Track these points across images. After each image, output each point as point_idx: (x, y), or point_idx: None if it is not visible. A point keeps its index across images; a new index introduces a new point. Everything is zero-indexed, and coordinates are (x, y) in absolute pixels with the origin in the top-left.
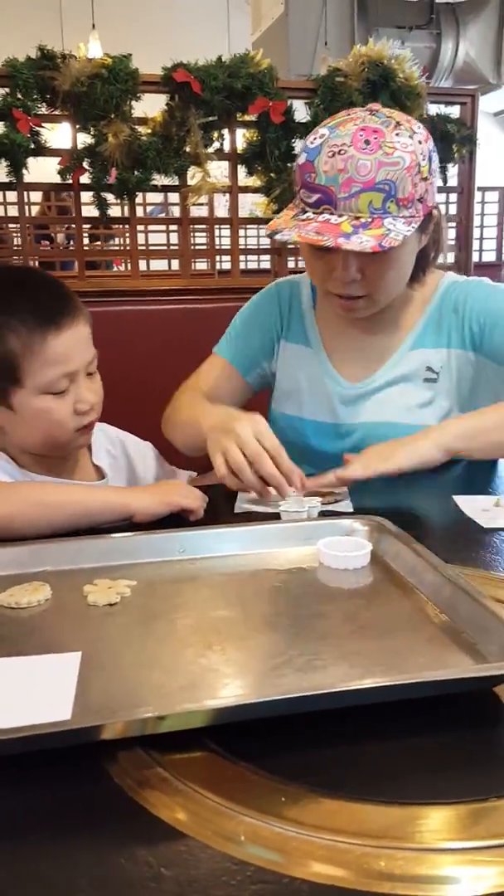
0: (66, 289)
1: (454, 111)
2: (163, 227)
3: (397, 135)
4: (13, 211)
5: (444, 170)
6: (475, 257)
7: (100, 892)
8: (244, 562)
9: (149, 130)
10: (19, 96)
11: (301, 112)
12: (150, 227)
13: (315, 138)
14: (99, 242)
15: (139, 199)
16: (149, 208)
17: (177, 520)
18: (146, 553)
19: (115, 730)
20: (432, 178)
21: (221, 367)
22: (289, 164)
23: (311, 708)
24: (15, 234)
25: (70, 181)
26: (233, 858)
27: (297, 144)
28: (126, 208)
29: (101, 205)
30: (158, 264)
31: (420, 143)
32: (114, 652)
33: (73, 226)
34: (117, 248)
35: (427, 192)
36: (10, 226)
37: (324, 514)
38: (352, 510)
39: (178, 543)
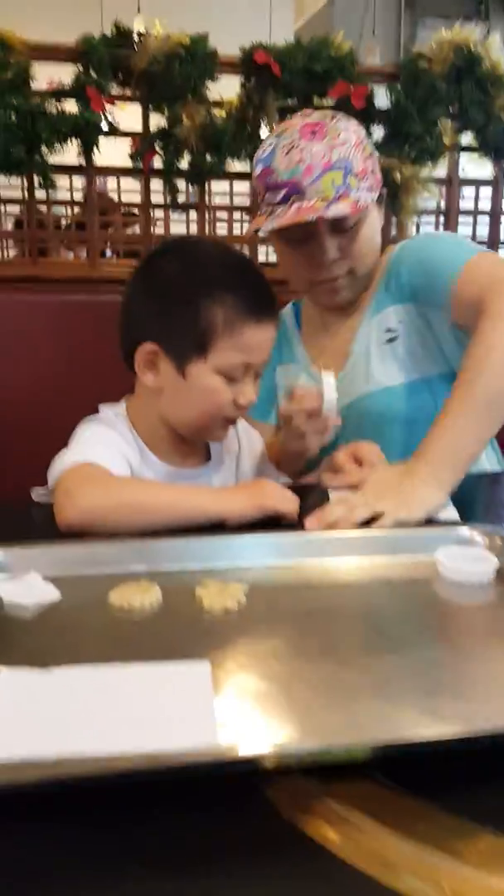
0: (272, 288)
1: None
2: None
3: (337, 122)
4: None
5: None
6: None
7: None
8: (360, 568)
9: (224, 113)
10: (93, 74)
11: (381, 98)
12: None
13: (265, 148)
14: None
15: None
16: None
17: (270, 523)
18: (253, 556)
19: (272, 761)
20: (374, 155)
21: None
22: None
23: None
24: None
25: (141, 166)
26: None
27: (376, 132)
28: (195, 195)
29: (173, 190)
30: None
31: (356, 127)
32: (240, 663)
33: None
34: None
35: (375, 167)
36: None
37: (429, 522)
38: (456, 517)
39: (287, 548)
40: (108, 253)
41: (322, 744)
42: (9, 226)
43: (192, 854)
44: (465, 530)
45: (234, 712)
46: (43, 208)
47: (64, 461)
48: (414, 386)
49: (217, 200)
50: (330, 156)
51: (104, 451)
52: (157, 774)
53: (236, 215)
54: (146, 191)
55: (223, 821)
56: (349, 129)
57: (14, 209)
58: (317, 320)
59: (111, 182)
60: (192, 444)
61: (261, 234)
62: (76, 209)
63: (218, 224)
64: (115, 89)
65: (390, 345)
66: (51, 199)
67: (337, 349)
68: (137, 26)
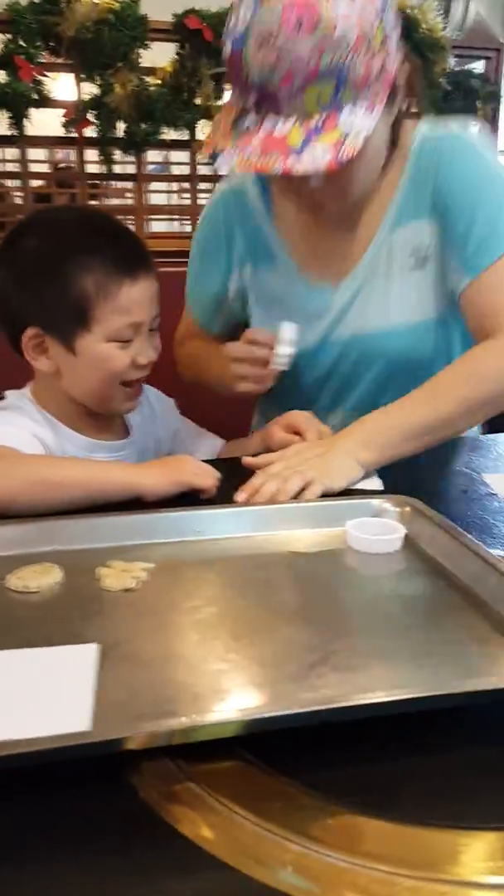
0: (142, 242)
1: (478, 66)
2: (164, 186)
3: (335, 4)
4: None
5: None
6: None
7: None
8: (268, 544)
9: (158, 81)
10: (21, 43)
11: None
12: (153, 186)
13: (237, 23)
14: (96, 202)
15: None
16: (150, 167)
17: (189, 498)
18: (162, 533)
19: (139, 741)
20: (390, 40)
21: (195, 324)
22: None
23: (356, 716)
24: (16, 193)
25: (74, 134)
26: (271, 888)
27: None
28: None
29: (108, 160)
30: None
31: (364, 6)
32: (133, 644)
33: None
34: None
35: (387, 60)
36: (9, 182)
37: (350, 492)
38: (381, 488)
39: (196, 523)
40: None
41: (193, 722)
42: None
43: (49, 839)
44: (375, 501)
45: (114, 695)
46: None
47: None
48: (442, 322)
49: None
50: (318, 61)
51: (12, 431)
52: (20, 759)
53: (174, 185)
54: (80, 161)
55: (88, 806)
56: (350, 19)
57: None
58: (303, 214)
59: (74, 155)
60: (106, 417)
61: (217, 167)
62: (40, 182)
63: (153, 196)
64: (45, 58)
65: (421, 271)
66: None
67: (340, 257)
68: None
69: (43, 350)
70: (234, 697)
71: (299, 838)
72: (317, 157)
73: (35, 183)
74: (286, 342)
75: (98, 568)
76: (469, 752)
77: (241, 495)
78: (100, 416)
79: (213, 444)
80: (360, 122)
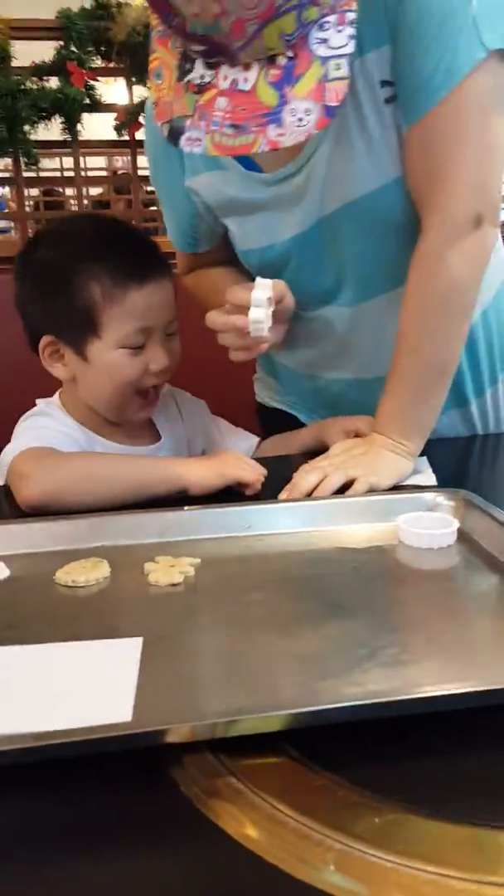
0: (153, 245)
1: None
2: None
3: None
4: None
5: None
6: None
7: None
8: (317, 539)
9: None
10: (73, 48)
11: None
12: None
13: None
14: (154, 207)
15: None
16: None
17: (234, 494)
18: (210, 528)
19: (181, 734)
20: None
21: (185, 257)
22: None
23: (403, 712)
24: (72, 200)
25: (126, 137)
26: (314, 888)
27: None
28: None
29: None
30: None
31: None
32: (178, 638)
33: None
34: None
35: None
36: (69, 191)
37: (402, 488)
38: (434, 482)
39: (243, 518)
40: None
41: (225, 716)
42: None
43: (89, 832)
44: (429, 495)
45: (157, 689)
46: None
47: (9, 451)
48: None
49: None
50: None
51: (49, 434)
52: (61, 750)
53: None
54: (133, 163)
55: (126, 803)
56: None
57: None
58: None
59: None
60: (134, 424)
61: (184, 147)
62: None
63: None
64: (97, 62)
65: (391, 106)
66: (41, 178)
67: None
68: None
69: (59, 357)
70: (277, 692)
71: (344, 837)
72: (302, 117)
73: (94, 191)
74: (256, 303)
75: (145, 563)
76: None
77: (284, 494)
78: (125, 424)
79: (248, 443)
80: (335, 42)
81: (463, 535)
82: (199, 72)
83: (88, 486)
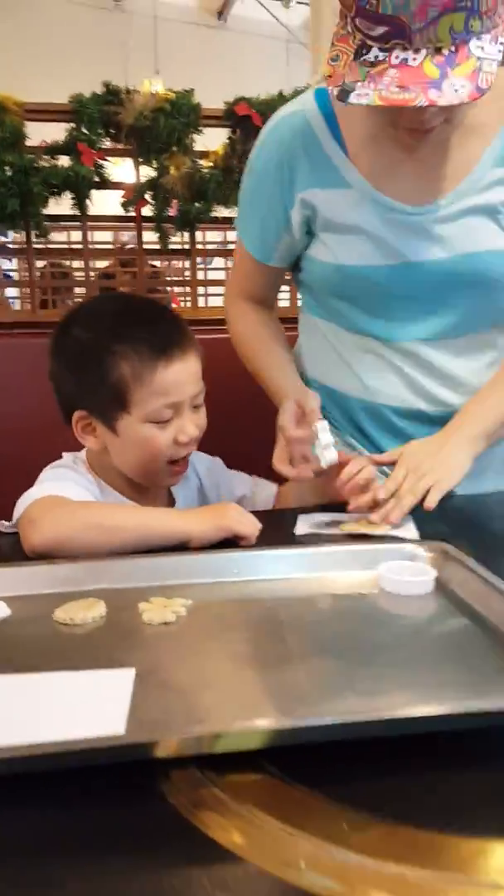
0: (180, 321)
1: None
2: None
3: None
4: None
5: None
6: None
7: None
8: (302, 585)
9: (210, 163)
10: (84, 130)
11: None
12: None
13: None
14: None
15: (199, 237)
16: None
17: (231, 545)
18: (202, 573)
19: (169, 746)
20: None
21: (249, 261)
22: None
23: (375, 733)
24: (78, 273)
25: (133, 213)
26: (292, 886)
27: None
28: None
29: (163, 236)
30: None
31: None
32: (169, 670)
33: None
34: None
35: None
36: (74, 264)
37: (385, 539)
38: (417, 536)
39: (234, 564)
40: None
41: (214, 729)
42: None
43: (81, 840)
44: (409, 546)
45: (148, 714)
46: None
47: (27, 497)
48: None
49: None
50: None
51: (67, 486)
52: (54, 760)
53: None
54: (139, 237)
55: (119, 812)
56: None
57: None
58: (381, 130)
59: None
60: (153, 489)
61: (352, 101)
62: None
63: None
64: (106, 143)
65: None
66: (50, 249)
67: (433, 180)
68: (155, 86)
69: (91, 430)
70: (260, 715)
71: (316, 840)
72: (457, 89)
73: (100, 264)
74: (325, 443)
75: (140, 603)
76: (482, 772)
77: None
78: (146, 488)
79: (267, 492)
80: (490, 50)
81: (440, 584)
82: (374, 54)
83: (93, 535)
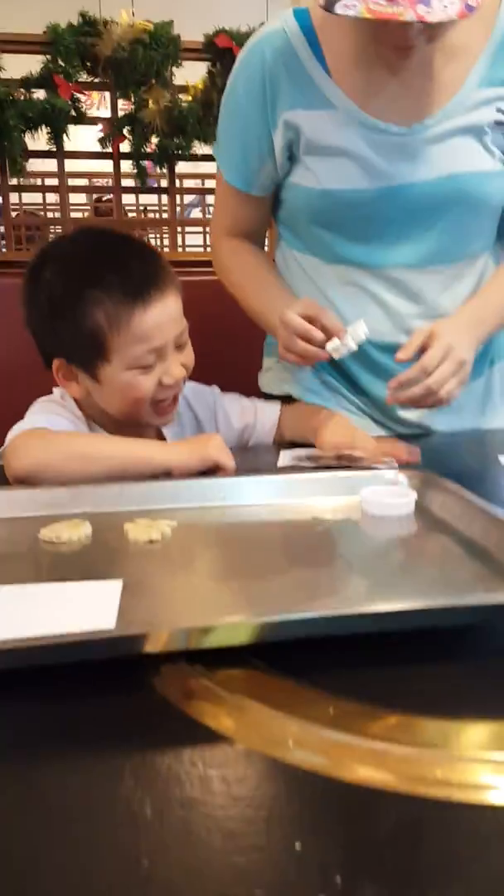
0: (159, 259)
1: None
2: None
3: None
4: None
5: None
6: None
7: (146, 788)
8: (287, 509)
9: (189, 98)
10: (60, 62)
11: None
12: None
13: None
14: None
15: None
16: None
17: (214, 475)
18: (187, 498)
19: (160, 639)
20: None
21: (230, 193)
22: None
23: (359, 629)
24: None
25: (110, 149)
26: (281, 763)
27: None
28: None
29: (141, 173)
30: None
31: None
32: (156, 583)
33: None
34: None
35: None
36: (50, 206)
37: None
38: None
39: (219, 489)
40: None
41: (207, 623)
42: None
43: (76, 732)
44: (389, 473)
45: (137, 616)
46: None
47: (14, 430)
48: None
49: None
50: None
51: (54, 419)
52: (47, 654)
53: (209, 199)
54: (117, 174)
55: (111, 705)
56: None
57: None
58: (363, 49)
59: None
60: (140, 427)
61: (338, 11)
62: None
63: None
64: (83, 76)
65: (501, 129)
66: (23, 185)
67: (417, 100)
68: (125, 18)
69: (72, 377)
70: (247, 615)
71: (311, 724)
72: (447, 6)
73: (74, 215)
74: (355, 340)
75: (125, 523)
76: (465, 662)
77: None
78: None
79: (271, 418)
80: None
81: (421, 506)
82: None
83: (74, 464)
